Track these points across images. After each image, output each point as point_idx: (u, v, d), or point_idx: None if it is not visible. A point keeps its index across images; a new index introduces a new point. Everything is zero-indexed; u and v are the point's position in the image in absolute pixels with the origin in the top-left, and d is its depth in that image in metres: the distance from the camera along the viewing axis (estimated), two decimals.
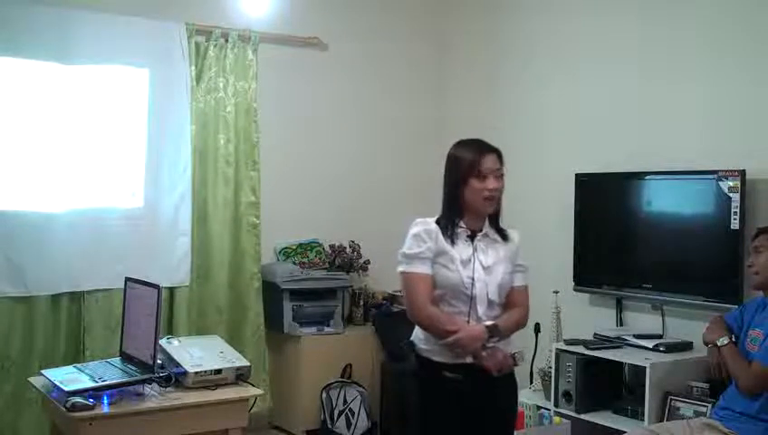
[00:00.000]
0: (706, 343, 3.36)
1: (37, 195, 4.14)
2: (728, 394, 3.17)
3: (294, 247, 4.99)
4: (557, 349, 3.90)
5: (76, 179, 4.24)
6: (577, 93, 4.50)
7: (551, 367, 3.95)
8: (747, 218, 3.56)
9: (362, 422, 4.64)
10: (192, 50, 4.55)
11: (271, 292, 4.69)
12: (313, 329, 4.72)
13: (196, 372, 3.00)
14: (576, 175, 4.28)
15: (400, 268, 2.71)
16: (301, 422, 4.70)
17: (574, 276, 4.28)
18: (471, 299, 2.65)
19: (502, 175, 2.70)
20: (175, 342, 3.18)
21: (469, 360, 2.62)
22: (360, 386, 4.75)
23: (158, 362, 3.01)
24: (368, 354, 4.87)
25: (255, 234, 4.73)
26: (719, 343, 3.24)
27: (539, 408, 4.01)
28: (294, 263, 4.88)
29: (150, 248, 4.41)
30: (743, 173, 3.56)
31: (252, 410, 3.14)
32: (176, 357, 3.06)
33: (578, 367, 3.78)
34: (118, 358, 3.20)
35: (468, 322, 2.64)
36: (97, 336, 4.24)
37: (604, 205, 4.25)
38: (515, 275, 2.76)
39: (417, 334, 2.74)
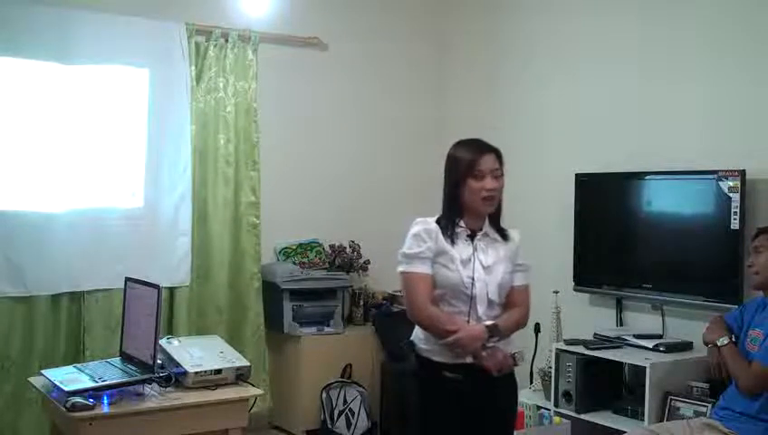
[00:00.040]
0: (706, 343, 3.36)
1: (37, 195, 4.14)
2: (728, 394, 3.17)
3: (294, 247, 4.99)
4: (557, 349, 3.90)
5: (76, 179, 4.24)
6: (577, 93, 4.50)
7: (551, 367, 3.95)
8: (747, 218, 3.56)
9: (362, 422, 4.64)
10: (192, 50, 4.55)
11: (271, 292, 4.69)
12: (313, 329, 4.72)
13: (196, 372, 3.00)
14: (576, 175, 4.28)
15: (400, 268, 2.71)
16: (301, 422, 4.70)
17: (574, 276, 4.28)
18: (471, 299, 2.65)
19: (501, 175, 2.70)
20: (175, 342, 3.18)
21: (469, 360, 2.62)
22: (360, 386, 4.75)
23: (158, 362, 3.01)
24: (368, 354, 4.87)
25: (255, 234, 4.73)
26: (719, 343, 3.24)
27: (539, 408, 4.01)
28: (294, 263, 4.88)
29: (150, 248, 4.41)
30: (743, 173, 3.56)
31: (252, 410, 3.14)
32: (176, 357, 3.05)
33: (578, 367, 3.78)
34: (118, 358, 3.20)
35: (468, 321, 2.64)
36: (97, 336, 4.24)
37: (604, 205, 4.25)
38: (516, 274, 2.75)
39: (417, 334, 2.74)
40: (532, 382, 4.26)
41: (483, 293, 2.66)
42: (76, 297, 4.23)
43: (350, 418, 4.62)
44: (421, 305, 2.65)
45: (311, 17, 5.02)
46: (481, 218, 2.72)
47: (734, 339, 3.23)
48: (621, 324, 4.19)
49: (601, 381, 3.82)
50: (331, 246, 5.05)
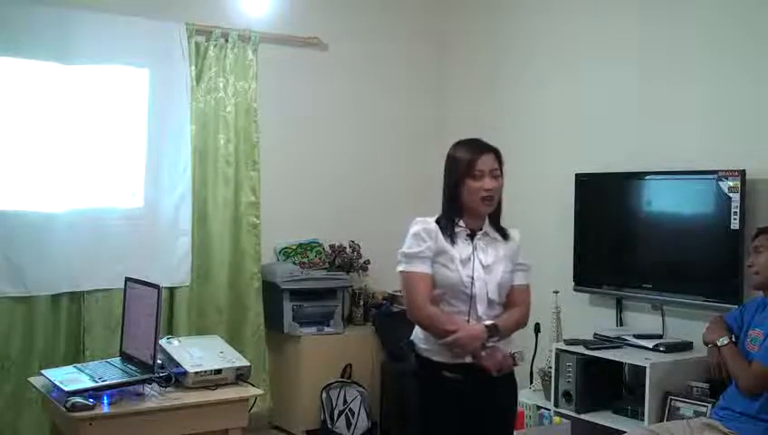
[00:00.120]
0: (706, 343, 3.36)
1: (37, 195, 4.14)
2: (728, 394, 3.17)
3: (294, 247, 4.99)
4: (557, 349, 3.90)
5: (76, 179, 4.24)
6: (577, 93, 4.50)
7: (551, 367, 3.95)
8: (747, 218, 3.56)
9: (362, 422, 4.64)
10: (192, 50, 4.55)
11: (271, 292, 4.69)
12: (313, 329, 4.72)
13: (196, 372, 3.00)
14: (576, 175, 4.28)
15: (400, 268, 2.71)
16: (301, 422, 4.70)
17: (574, 276, 4.28)
18: (471, 298, 2.65)
19: (500, 174, 2.70)
20: (175, 342, 3.18)
21: (468, 360, 2.62)
22: (360, 386, 4.75)
23: (158, 362, 3.01)
24: (368, 354, 4.87)
25: (255, 234, 4.73)
26: (719, 343, 3.24)
27: (539, 408, 4.00)
28: (294, 263, 4.88)
29: (150, 248, 4.41)
30: (743, 173, 3.56)
31: (252, 410, 3.14)
32: (176, 357, 3.05)
33: (578, 367, 3.78)
34: (118, 358, 3.20)
35: (468, 321, 2.64)
36: (97, 336, 4.24)
37: (604, 205, 4.25)
38: (516, 273, 2.75)
39: (417, 334, 2.74)
40: (532, 382, 4.26)
41: (482, 292, 2.66)
42: (76, 297, 4.23)
43: (350, 418, 4.62)
44: (421, 305, 2.65)
45: (311, 17, 5.02)
46: (480, 218, 2.72)
47: (734, 339, 3.23)
48: (621, 324, 4.19)
49: (601, 381, 3.82)
50: (331, 246, 5.05)
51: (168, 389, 2.97)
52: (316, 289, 4.73)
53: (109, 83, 4.32)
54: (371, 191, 5.22)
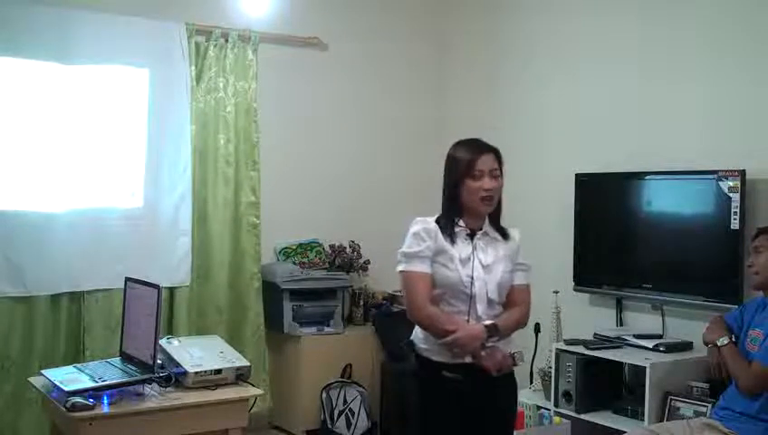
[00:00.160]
0: (706, 343, 3.36)
1: (37, 195, 4.14)
2: (728, 394, 3.17)
3: (294, 247, 4.99)
4: (557, 349, 3.90)
5: (76, 179, 4.24)
6: (577, 93, 4.50)
7: (551, 367, 3.95)
8: (747, 218, 3.56)
9: (362, 422, 4.64)
10: (192, 50, 4.55)
11: (271, 292, 4.69)
12: (313, 329, 4.72)
13: (196, 372, 3.00)
14: (576, 175, 4.28)
15: (400, 267, 2.71)
16: (301, 422, 4.70)
17: (574, 276, 4.28)
18: (470, 298, 2.65)
19: (499, 174, 2.70)
20: (175, 342, 3.18)
21: (468, 359, 2.62)
22: (360, 386, 4.75)
23: (158, 362, 3.01)
24: (368, 354, 4.87)
25: (255, 234, 4.73)
26: (719, 343, 3.24)
27: (539, 408, 4.00)
28: (294, 263, 4.88)
29: (150, 248, 4.41)
30: (743, 173, 3.56)
31: (252, 410, 3.14)
32: (176, 357, 3.05)
33: (578, 367, 3.78)
34: (118, 358, 3.20)
35: (468, 321, 2.64)
36: (97, 336, 4.24)
37: (604, 205, 4.25)
38: (516, 273, 2.75)
39: (417, 334, 2.74)
40: (532, 382, 4.26)
41: (482, 292, 2.66)
42: (76, 297, 4.23)
43: (350, 418, 4.62)
44: (420, 305, 2.65)
45: (311, 17, 5.02)
46: (480, 218, 2.72)
47: (734, 339, 3.23)
48: (621, 324, 4.19)
49: (601, 381, 3.82)
50: (331, 246, 5.05)
51: (168, 389, 2.96)
52: (316, 289, 4.73)
53: (109, 83, 4.32)
54: (371, 191, 5.22)
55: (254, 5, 4.82)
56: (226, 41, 4.66)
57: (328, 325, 4.77)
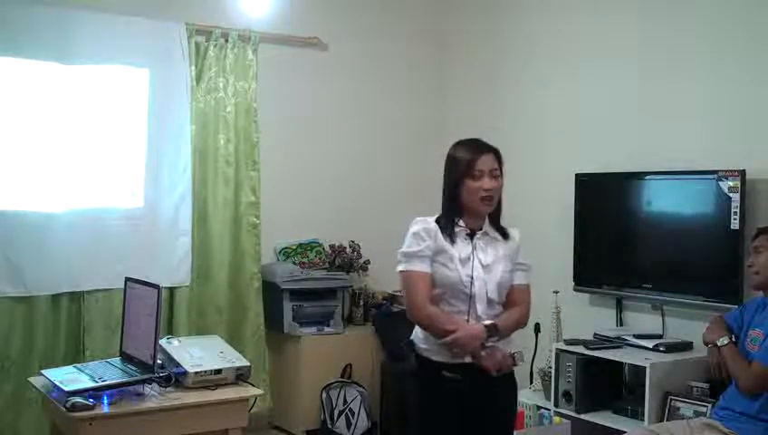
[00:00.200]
0: (706, 343, 3.36)
1: (37, 195, 4.14)
2: (728, 394, 3.17)
3: (294, 247, 4.99)
4: (557, 349, 3.90)
5: (76, 179, 4.24)
6: (577, 93, 4.50)
7: (551, 367, 3.95)
8: (747, 218, 3.56)
9: (362, 422, 4.64)
10: (192, 50, 4.55)
11: (271, 292, 4.69)
12: (313, 329, 4.72)
13: (196, 372, 3.00)
14: (576, 175, 4.28)
15: (399, 267, 2.71)
16: (301, 422, 4.70)
17: (574, 276, 4.28)
18: (470, 298, 2.65)
19: (499, 174, 2.70)
20: (175, 342, 3.18)
21: (468, 359, 2.62)
22: (360, 386, 4.75)
23: (158, 362, 3.01)
24: (368, 354, 4.87)
25: (255, 234, 4.73)
26: (719, 343, 3.24)
27: (539, 408, 4.00)
28: (294, 263, 4.88)
29: (150, 248, 4.41)
30: (743, 173, 3.56)
31: (252, 410, 3.14)
32: (176, 357, 3.05)
33: (578, 367, 3.78)
34: (118, 358, 3.20)
35: (468, 321, 2.64)
36: (97, 336, 4.24)
37: (604, 205, 4.25)
38: (516, 273, 2.75)
39: (417, 334, 2.74)
40: (532, 382, 4.26)
41: (482, 291, 2.66)
42: (76, 297, 4.23)
43: (350, 418, 4.62)
44: (420, 304, 2.65)
45: (311, 17, 5.02)
46: (480, 218, 2.72)
47: (734, 339, 3.23)
48: (621, 324, 4.19)
49: (601, 381, 3.82)
50: (331, 246, 5.05)
51: (168, 389, 2.96)
52: (316, 289, 4.73)
53: (109, 83, 4.32)
54: (371, 191, 5.22)
55: (254, 5, 4.82)
56: (226, 41, 4.66)
57: (328, 325, 4.77)
